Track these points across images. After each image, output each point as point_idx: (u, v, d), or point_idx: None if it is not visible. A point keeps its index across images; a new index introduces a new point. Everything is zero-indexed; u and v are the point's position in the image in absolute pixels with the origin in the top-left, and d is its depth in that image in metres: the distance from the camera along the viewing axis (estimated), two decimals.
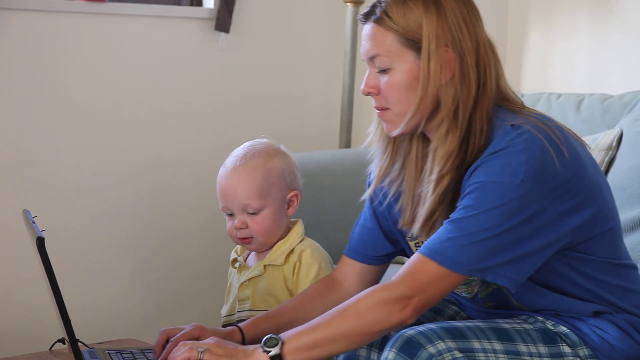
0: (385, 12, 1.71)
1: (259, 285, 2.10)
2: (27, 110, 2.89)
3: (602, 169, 2.61)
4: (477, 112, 1.70)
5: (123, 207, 3.08)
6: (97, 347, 2.03)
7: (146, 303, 3.15)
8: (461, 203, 1.66)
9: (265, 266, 2.10)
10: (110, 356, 1.94)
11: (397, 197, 1.84)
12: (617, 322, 1.74)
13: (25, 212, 1.92)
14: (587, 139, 2.67)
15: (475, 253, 1.63)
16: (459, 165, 1.70)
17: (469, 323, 1.70)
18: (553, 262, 1.70)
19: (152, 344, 1.91)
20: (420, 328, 1.64)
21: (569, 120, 2.84)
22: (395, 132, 1.75)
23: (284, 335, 1.69)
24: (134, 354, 1.95)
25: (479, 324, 1.71)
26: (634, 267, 1.81)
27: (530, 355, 1.69)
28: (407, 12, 1.70)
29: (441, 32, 1.69)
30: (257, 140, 2.15)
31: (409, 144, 1.81)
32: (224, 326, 2.07)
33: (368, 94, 1.76)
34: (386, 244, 1.94)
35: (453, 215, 1.67)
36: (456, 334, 1.65)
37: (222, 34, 3.19)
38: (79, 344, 1.85)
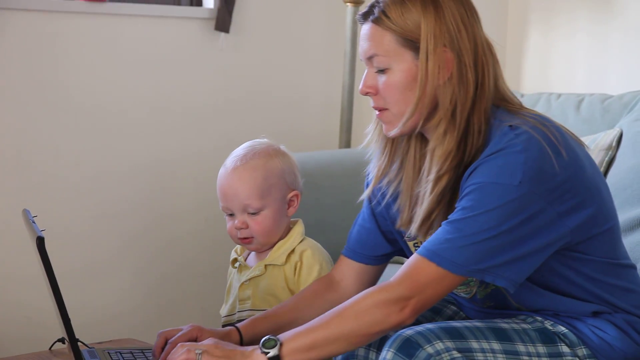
0: (383, 12, 1.71)
1: (260, 285, 2.10)
2: (27, 110, 2.89)
3: (602, 169, 2.61)
4: (475, 113, 1.70)
5: (123, 206, 3.08)
6: (97, 346, 2.03)
7: (146, 303, 3.15)
8: (460, 204, 1.66)
9: (266, 266, 2.10)
10: (110, 356, 1.94)
11: (395, 197, 1.84)
12: (616, 322, 1.75)
13: (25, 212, 1.92)
14: (587, 139, 2.67)
15: (473, 254, 1.63)
16: (457, 166, 1.70)
17: (467, 323, 1.70)
18: (552, 262, 1.70)
19: (152, 344, 1.91)
20: (419, 328, 1.64)
21: (569, 120, 2.84)
22: (393, 133, 1.76)
23: (283, 336, 1.69)
24: (134, 354, 1.95)
25: (478, 324, 1.71)
26: (633, 266, 1.81)
27: (529, 355, 1.69)
28: (406, 12, 1.70)
29: (439, 32, 1.69)
30: (257, 140, 2.15)
31: (407, 144, 1.81)
32: (223, 326, 2.07)
33: (366, 94, 1.76)
34: (384, 244, 1.94)
35: (451, 217, 1.67)
36: (454, 334, 1.65)
37: (222, 34, 3.19)
38: (79, 343, 1.85)
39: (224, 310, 2.18)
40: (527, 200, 1.62)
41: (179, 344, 1.74)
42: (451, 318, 1.94)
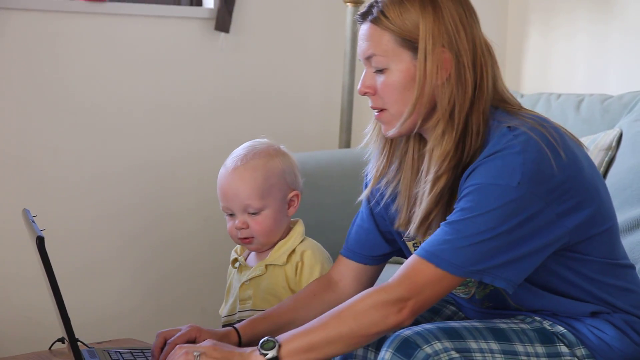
0: (382, 12, 1.71)
1: (261, 285, 2.10)
2: (26, 110, 2.89)
3: (602, 169, 2.61)
4: (473, 113, 1.70)
5: (123, 206, 3.08)
6: (97, 346, 2.03)
7: (146, 303, 3.15)
8: (458, 205, 1.66)
9: (266, 266, 2.10)
10: (109, 356, 1.94)
11: (393, 197, 1.84)
12: (615, 322, 1.75)
13: (25, 212, 1.92)
14: (587, 139, 2.67)
15: (472, 255, 1.63)
16: (456, 166, 1.70)
17: (465, 323, 1.70)
18: (550, 263, 1.70)
19: (152, 344, 1.91)
20: (417, 328, 1.64)
21: (568, 121, 2.84)
22: (392, 133, 1.76)
23: (281, 337, 1.69)
24: (134, 354, 1.95)
25: (476, 324, 1.71)
26: (632, 266, 1.81)
27: (527, 355, 1.69)
28: (404, 12, 1.70)
29: (438, 33, 1.69)
30: (258, 140, 2.15)
31: (405, 144, 1.81)
32: (224, 326, 2.07)
33: (365, 94, 1.76)
34: (383, 244, 1.94)
35: (450, 218, 1.66)
36: (453, 334, 1.65)
37: (222, 34, 3.19)
38: (79, 343, 1.85)
39: (224, 310, 2.18)
40: (526, 201, 1.62)
41: (177, 346, 1.74)
42: (450, 318, 1.94)
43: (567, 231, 1.67)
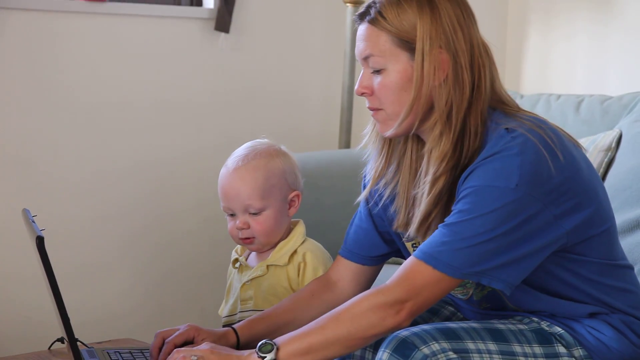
0: (379, 13, 1.71)
1: (262, 286, 2.10)
2: (27, 110, 2.89)
3: (601, 170, 2.61)
4: (471, 114, 1.70)
5: (123, 206, 3.08)
6: (96, 346, 2.03)
7: (146, 303, 3.15)
8: (456, 207, 1.66)
9: (268, 266, 2.10)
10: (109, 356, 1.94)
11: (392, 198, 1.84)
12: (613, 322, 1.75)
13: (25, 212, 1.92)
14: (587, 140, 2.68)
15: (470, 257, 1.63)
16: (454, 167, 1.70)
17: (463, 324, 1.70)
18: (548, 264, 1.70)
19: (151, 344, 1.91)
20: (415, 329, 1.65)
21: (568, 121, 2.84)
22: (388, 133, 1.76)
23: (279, 340, 1.69)
24: (133, 354, 1.95)
25: (474, 324, 1.71)
26: (630, 267, 1.81)
27: (525, 355, 1.69)
28: (402, 13, 1.70)
29: (435, 34, 1.69)
30: (258, 140, 2.15)
31: (404, 146, 1.81)
32: (224, 326, 2.07)
33: (362, 94, 1.76)
34: (382, 244, 1.95)
35: (448, 219, 1.66)
36: (450, 335, 1.65)
37: (222, 34, 3.19)
38: (78, 343, 1.85)
39: (224, 310, 2.18)
40: (524, 203, 1.62)
41: (175, 350, 1.74)
42: (449, 319, 1.94)
43: (565, 232, 1.67)
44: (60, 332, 1.88)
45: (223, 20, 3.15)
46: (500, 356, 1.67)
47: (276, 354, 1.67)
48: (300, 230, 2.13)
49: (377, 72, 1.73)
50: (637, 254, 2.33)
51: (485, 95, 1.71)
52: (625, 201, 2.46)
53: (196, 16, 3.16)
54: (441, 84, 1.70)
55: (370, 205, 1.92)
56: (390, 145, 1.82)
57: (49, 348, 2.12)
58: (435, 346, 1.62)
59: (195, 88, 3.18)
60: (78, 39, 2.95)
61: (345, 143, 3.31)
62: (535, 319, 1.76)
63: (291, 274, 2.08)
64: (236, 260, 2.19)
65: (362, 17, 1.75)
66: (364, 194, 1.90)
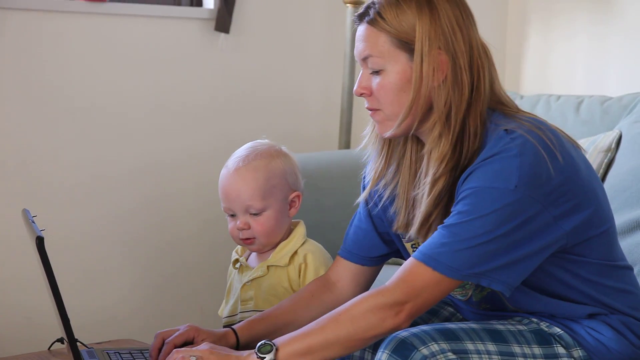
0: (378, 14, 1.71)
1: (263, 286, 2.10)
2: (27, 110, 2.89)
3: (601, 170, 2.61)
4: (470, 115, 1.70)
5: (124, 209, 3.08)
6: (96, 347, 2.03)
7: (146, 304, 3.15)
8: (455, 208, 1.66)
9: (268, 267, 2.10)
10: (108, 356, 1.94)
11: (392, 200, 1.84)
12: (612, 323, 1.75)
13: (25, 212, 1.92)
14: (586, 141, 2.68)
15: (469, 258, 1.63)
16: (454, 168, 1.70)
17: (462, 325, 1.70)
18: (547, 265, 1.70)
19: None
20: (414, 330, 1.65)
21: (568, 122, 2.85)
22: (387, 134, 1.76)
23: (278, 341, 1.69)
24: (133, 354, 1.95)
25: (473, 325, 1.71)
26: (630, 268, 1.81)
27: (525, 356, 1.69)
28: (401, 13, 1.70)
29: (434, 35, 1.69)
30: (259, 141, 2.15)
31: (403, 147, 1.81)
32: (225, 326, 2.07)
33: (361, 94, 1.76)
34: (381, 245, 1.95)
35: (447, 221, 1.66)
36: (450, 336, 1.65)
37: (222, 35, 3.19)
38: (78, 344, 1.85)
39: (224, 310, 2.18)
40: (523, 204, 1.62)
41: (174, 350, 1.74)
42: (448, 319, 1.94)
43: (565, 233, 1.67)
44: (60, 333, 1.88)
45: (223, 20, 3.15)
46: (499, 357, 1.67)
47: (275, 354, 1.67)
48: (300, 231, 2.13)
49: (376, 72, 1.73)
50: (637, 254, 2.33)
51: (485, 96, 1.71)
52: (625, 202, 2.46)
53: (196, 16, 3.16)
54: (440, 84, 1.70)
55: (369, 206, 1.92)
56: (389, 146, 1.82)
57: (49, 348, 2.13)
58: (435, 347, 1.62)
59: (195, 88, 3.18)
60: (78, 39, 2.95)
61: (345, 144, 3.31)
62: (535, 320, 1.76)
63: (292, 274, 2.08)
64: (236, 260, 2.19)
65: (361, 17, 1.75)
66: (363, 195, 1.90)
